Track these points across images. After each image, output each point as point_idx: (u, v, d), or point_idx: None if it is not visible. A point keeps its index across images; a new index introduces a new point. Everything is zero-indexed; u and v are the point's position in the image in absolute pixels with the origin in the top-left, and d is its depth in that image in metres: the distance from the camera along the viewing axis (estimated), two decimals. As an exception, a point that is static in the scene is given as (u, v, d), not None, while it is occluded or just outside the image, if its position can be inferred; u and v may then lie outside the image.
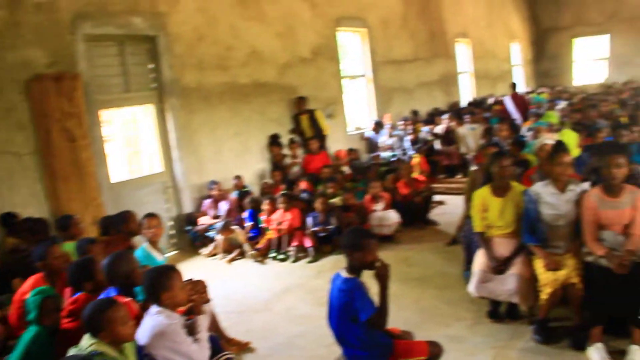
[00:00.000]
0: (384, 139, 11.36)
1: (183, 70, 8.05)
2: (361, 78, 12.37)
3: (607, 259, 3.95)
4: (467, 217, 5.55)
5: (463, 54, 17.26)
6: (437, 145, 11.33)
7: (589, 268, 4.10)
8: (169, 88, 7.86)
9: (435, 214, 8.59)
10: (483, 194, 4.74)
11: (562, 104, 12.41)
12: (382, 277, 3.32)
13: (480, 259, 4.68)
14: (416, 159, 9.74)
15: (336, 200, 7.84)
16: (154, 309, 3.17)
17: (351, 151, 10.09)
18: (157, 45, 7.72)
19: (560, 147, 4.31)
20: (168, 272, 3.25)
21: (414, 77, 14.08)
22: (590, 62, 23.37)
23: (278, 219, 7.45)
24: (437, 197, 9.16)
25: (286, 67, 9.85)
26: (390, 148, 11.12)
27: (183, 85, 8.04)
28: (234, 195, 8.29)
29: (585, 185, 4.55)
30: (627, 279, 3.86)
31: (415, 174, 8.97)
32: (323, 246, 7.28)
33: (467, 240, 5.53)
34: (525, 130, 9.15)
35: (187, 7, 8.10)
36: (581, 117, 9.21)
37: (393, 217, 7.58)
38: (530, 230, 4.40)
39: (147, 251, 4.72)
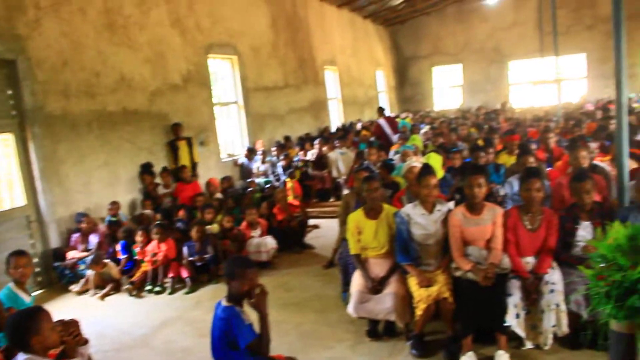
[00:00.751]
0: (257, 165, 11.39)
1: (47, 97, 7.55)
2: (233, 105, 12.34)
3: (473, 272, 4.23)
4: (342, 240, 5.69)
5: (332, 80, 17.85)
6: (310, 170, 11.55)
7: (457, 282, 4.36)
8: (31, 116, 7.33)
9: (310, 237, 8.72)
10: (357, 217, 4.89)
11: (425, 128, 13.22)
12: (259, 305, 3.31)
13: (357, 280, 4.80)
14: (290, 184, 9.85)
15: (212, 227, 7.70)
16: (21, 356, 2.90)
17: (224, 180, 9.99)
18: (16, 70, 7.19)
19: (426, 170, 4.57)
20: (35, 313, 3.00)
21: (285, 104, 14.31)
22: (448, 88, 25.15)
23: (153, 250, 7.17)
24: (311, 221, 9.31)
25: (156, 94, 9.59)
26: (264, 174, 11.17)
27: (47, 113, 7.54)
28: (105, 222, 7.88)
29: (451, 204, 4.86)
30: (491, 290, 4.15)
31: (290, 199, 9.07)
32: (200, 276, 7.10)
33: (343, 262, 5.66)
34: (392, 154, 9.60)
35: (50, 31, 7.64)
36: (443, 140, 9.83)
37: (270, 243, 7.59)
38: (403, 250, 4.59)
39: (13, 292, 4.31)
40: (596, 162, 6.13)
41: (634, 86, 21.32)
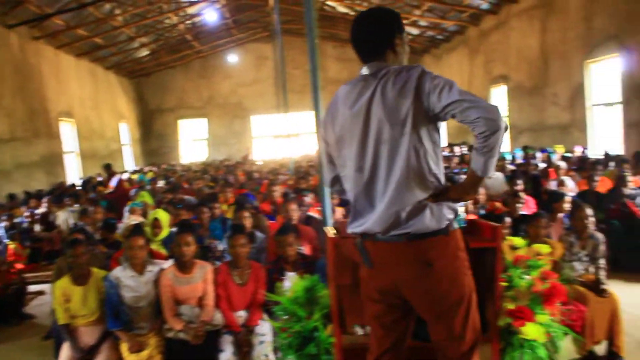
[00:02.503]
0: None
1: None
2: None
3: (185, 332, 4.21)
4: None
5: (68, 133, 16.75)
6: (38, 230, 10.54)
7: (169, 343, 4.29)
8: None
9: (33, 305, 7.88)
10: (63, 284, 4.56)
11: (160, 183, 13.03)
12: None
13: (65, 352, 4.45)
14: (12, 247, 8.86)
15: None
16: None
17: None
18: None
19: (134, 231, 4.48)
20: None
21: (11, 158, 12.97)
22: (194, 142, 25.43)
23: None
24: (36, 287, 8.45)
25: None
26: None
27: None
28: None
29: (167, 263, 4.80)
30: (203, 348, 4.17)
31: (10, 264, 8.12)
32: None
33: (56, 332, 5.20)
34: (126, 211, 9.25)
35: None
36: (172, 196, 9.76)
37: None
38: (114, 314, 4.39)
39: None
40: (310, 213, 6.66)
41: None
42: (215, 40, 23.09)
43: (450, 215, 2.35)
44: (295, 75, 24.57)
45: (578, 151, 11.10)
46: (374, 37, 2.46)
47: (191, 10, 18.91)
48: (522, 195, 5.69)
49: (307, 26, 4.51)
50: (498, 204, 6.26)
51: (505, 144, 15.87)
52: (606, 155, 10.13)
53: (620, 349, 4.24)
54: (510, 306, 2.55)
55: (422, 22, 18.87)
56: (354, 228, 2.47)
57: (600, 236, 4.65)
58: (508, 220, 4.52)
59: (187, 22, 19.78)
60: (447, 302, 2.32)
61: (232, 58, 24.24)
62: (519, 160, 10.72)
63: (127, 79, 23.30)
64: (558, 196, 5.93)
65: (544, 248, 2.85)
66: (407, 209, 2.29)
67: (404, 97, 2.24)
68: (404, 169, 2.27)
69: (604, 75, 11.56)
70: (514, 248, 2.99)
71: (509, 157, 11.45)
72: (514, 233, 5.17)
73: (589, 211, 4.63)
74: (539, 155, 10.99)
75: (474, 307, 2.39)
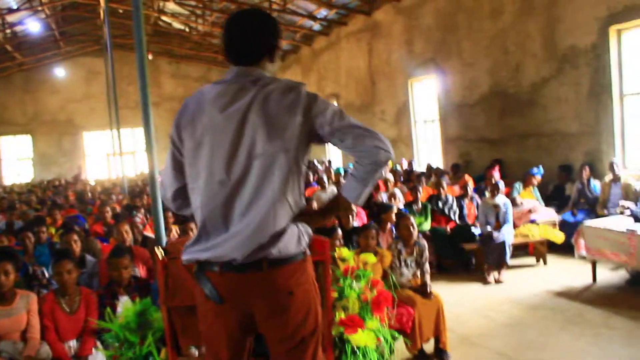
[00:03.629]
0: None
1: None
2: None
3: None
4: None
5: None
6: None
7: (-7, 385, 3.92)
8: None
9: None
10: None
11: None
12: None
13: None
14: None
15: None
16: None
17: None
18: None
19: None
20: None
21: None
22: (18, 161, 23.40)
23: None
24: None
25: None
26: None
27: None
28: None
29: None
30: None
31: None
32: None
33: None
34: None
35: None
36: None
37: None
38: None
39: None
40: (147, 233, 6.46)
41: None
42: (41, 53, 21.47)
43: (307, 239, 2.23)
44: (129, 91, 23.68)
45: (405, 164, 12.00)
46: (255, 38, 2.21)
47: (11, 18, 17.42)
48: (354, 208, 6.03)
49: (137, 40, 4.37)
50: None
51: (337, 158, 16.68)
52: (429, 167, 11.08)
53: (446, 345, 4.68)
54: (342, 315, 2.71)
55: (258, 40, 19.15)
56: (195, 254, 2.19)
57: (424, 242, 5.10)
58: (339, 232, 4.77)
59: (7, 31, 18.17)
60: (301, 333, 2.19)
61: (61, 72, 22.69)
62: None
63: None
64: (386, 208, 6.38)
65: (370, 258, 3.06)
66: (272, 233, 2.09)
67: (292, 113, 2.09)
68: (276, 190, 2.08)
69: (424, 94, 12.65)
70: (342, 260, 3.18)
71: (342, 172, 12.04)
72: (347, 244, 5.49)
73: (413, 220, 5.06)
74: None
75: (321, 339, 2.32)
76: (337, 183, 10.56)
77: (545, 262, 7.26)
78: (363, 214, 7.28)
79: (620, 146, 7.85)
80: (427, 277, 4.95)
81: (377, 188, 9.16)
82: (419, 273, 4.98)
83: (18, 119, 22.93)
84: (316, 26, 16.38)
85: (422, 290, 4.72)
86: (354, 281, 2.83)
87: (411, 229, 4.99)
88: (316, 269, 2.81)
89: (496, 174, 8.38)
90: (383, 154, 2.07)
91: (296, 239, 2.15)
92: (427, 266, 5.01)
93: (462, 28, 10.63)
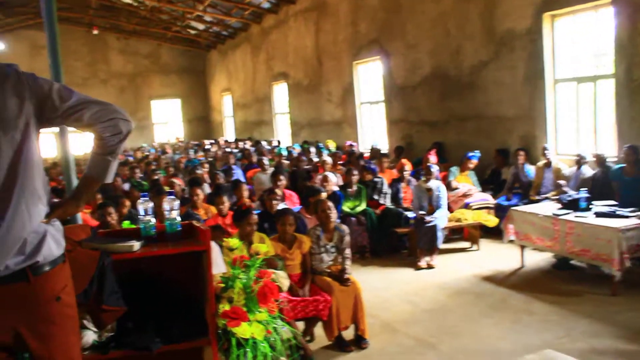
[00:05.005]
0: None
1: None
2: None
3: None
4: None
5: None
6: None
7: None
8: None
9: None
10: None
11: None
12: None
13: None
14: None
15: None
16: None
17: None
18: None
19: None
20: None
21: None
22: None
23: None
24: None
25: None
26: None
27: None
28: None
29: None
30: None
31: None
32: None
33: None
34: None
35: None
36: None
37: None
38: None
39: None
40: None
41: (148, 137, 23.20)
42: None
43: (62, 238, 2.08)
44: (76, 67, 22.91)
45: (347, 146, 11.88)
46: None
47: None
48: (279, 191, 5.88)
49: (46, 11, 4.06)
50: (247, 200, 6.42)
51: (286, 139, 16.51)
52: (372, 149, 11.00)
53: (365, 332, 4.60)
54: (227, 307, 2.57)
55: (207, 18, 18.73)
56: None
57: (344, 228, 4.99)
58: (254, 217, 4.62)
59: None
60: (71, 344, 2.05)
61: (0, 45, 21.66)
62: (295, 156, 11.13)
63: None
64: (314, 191, 6.25)
65: (262, 247, 2.92)
66: (27, 234, 1.89)
67: (17, 95, 1.90)
68: (24, 185, 1.90)
69: (369, 76, 12.53)
70: (230, 249, 3.03)
71: (285, 153, 11.86)
72: (271, 229, 5.34)
73: (330, 204, 4.93)
74: (313, 150, 11.56)
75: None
76: (278, 165, 10.40)
77: (478, 247, 7.28)
78: (295, 197, 7.14)
79: (553, 131, 7.90)
80: (348, 263, 4.85)
81: (316, 170, 9.03)
82: (340, 259, 4.88)
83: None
84: (265, 4, 16.04)
85: (340, 277, 4.62)
86: (243, 271, 2.68)
87: (328, 212, 4.87)
88: (198, 258, 2.65)
89: (432, 158, 8.35)
90: (123, 123, 2.06)
91: (55, 238, 2.01)
92: (347, 252, 4.91)
93: (406, 9, 10.51)
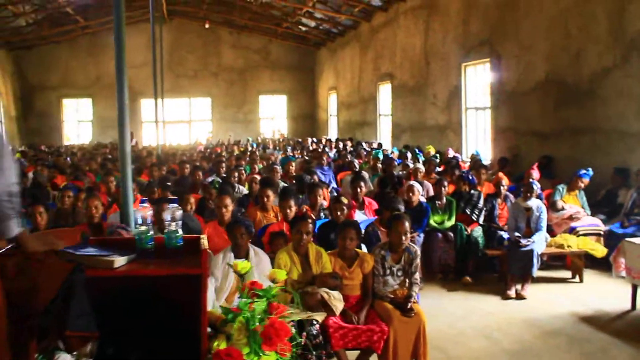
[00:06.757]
0: None
1: None
2: None
3: None
4: None
5: None
6: None
7: None
8: None
9: None
10: None
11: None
12: None
13: None
14: None
15: None
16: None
17: None
18: None
19: None
20: None
21: None
22: (79, 123, 24.02)
23: None
24: None
25: None
26: None
27: None
28: None
29: None
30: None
31: None
32: None
33: None
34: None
35: None
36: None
37: None
38: None
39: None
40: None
41: (253, 132, 23.46)
42: (104, 17, 21.62)
43: None
44: (189, 59, 23.65)
45: (450, 154, 11.08)
46: None
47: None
48: (344, 200, 5.34)
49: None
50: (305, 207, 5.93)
51: (388, 142, 15.90)
52: (472, 158, 10.17)
53: (427, 369, 3.98)
54: (222, 345, 2.11)
55: (318, 15, 18.53)
56: None
57: (415, 250, 4.37)
58: (309, 225, 4.12)
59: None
60: None
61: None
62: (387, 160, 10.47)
63: (4, 50, 21.38)
64: (392, 204, 5.63)
65: (280, 274, 2.43)
66: None
67: None
68: None
69: (477, 79, 11.64)
70: (240, 275, 2.52)
71: (380, 156, 11.27)
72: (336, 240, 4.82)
73: (407, 225, 4.30)
74: (410, 155, 10.88)
75: None
76: (373, 168, 9.85)
77: (581, 279, 6.34)
78: (376, 206, 6.55)
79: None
80: (415, 289, 4.23)
81: (408, 177, 8.38)
82: (407, 284, 4.28)
83: (81, 81, 23.35)
84: (376, 1, 15.52)
85: (404, 306, 4.02)
86: (253, 302, 2.20)
87: (403, 236, 4.24)
88: (191, 283, 2.20)
89: (535, 173, 7.41)
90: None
91: None
92: (416, 276, 4.29)
93: (521, 6, 9.55)
